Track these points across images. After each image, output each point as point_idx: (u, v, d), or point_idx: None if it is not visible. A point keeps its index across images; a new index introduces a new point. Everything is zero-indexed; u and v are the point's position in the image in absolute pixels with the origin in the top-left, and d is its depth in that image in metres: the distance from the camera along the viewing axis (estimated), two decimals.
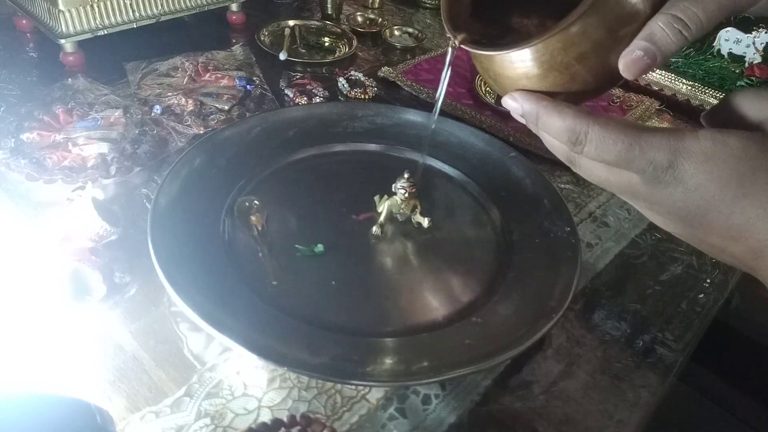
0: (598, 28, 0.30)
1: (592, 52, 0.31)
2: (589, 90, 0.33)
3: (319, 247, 0.52)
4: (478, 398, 0.44)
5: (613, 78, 0.32)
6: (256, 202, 0.55)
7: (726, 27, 0.87)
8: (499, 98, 0.38)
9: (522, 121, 0.34)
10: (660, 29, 0.29)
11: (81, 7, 0.73)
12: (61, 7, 0.71)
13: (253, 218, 0.53)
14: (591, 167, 0.32)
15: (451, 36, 0.36)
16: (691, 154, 0.28)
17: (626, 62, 0.30)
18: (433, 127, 0.51)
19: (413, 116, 0.68)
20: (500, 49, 0.33)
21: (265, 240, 0.52)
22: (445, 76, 0.43)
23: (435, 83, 0.82)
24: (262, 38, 0.88)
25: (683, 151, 0.29)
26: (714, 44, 0.89)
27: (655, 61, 0.30)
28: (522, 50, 0.32)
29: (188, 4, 0.84)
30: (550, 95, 0.33)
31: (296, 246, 0.52)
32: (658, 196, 0.31)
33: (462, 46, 0.35)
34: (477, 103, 0.79)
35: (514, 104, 0.34)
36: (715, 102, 0.82)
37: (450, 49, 0.39)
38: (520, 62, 0.33)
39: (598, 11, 0.30)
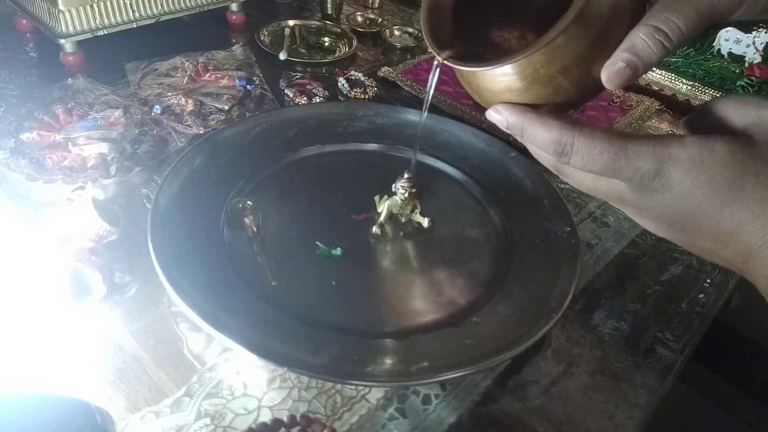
0: (580, 41, 0.30)
1: (574, 65, 0.31)
2: (572, 101, 0.34)
3: (337, 251, 0.52)
4: (478, 398, 0.44)
5: (596, 88, 0.33)
6: (249, 203, 0.55)
7: (726, 27, 0.87)
8: None
9: (508, 132, 0.35)
10: (641, 40, 0.30)
11: (81, 7, 0.73)
12: (61, 7, 0.71)
13: (246, 220, 0.53)
14: (578, 176, 0.33)
15: (435, 53, 0.36)
16: (678, 161, 0.29)
17: (609, 74, 0.31)
18: (422, 122, 0.51)
19: (413, 116, 0.68)
20: (484, 65, 0.33)
21: (261, 241, 0.52)
22: (431, 88, 0.44)
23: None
24: (262, 38, 0.88)
25: (669, 159, 0.29)
26: (714, 44, 0.89)
27: (637, 72, 0.30)
28: (505, 65, 0.32)
29: (188, 4, 0.84)
30: (534, 107, 0.33)
31: (317, 243, 0.52)
32: (646, 203, 0.31)
33: (446, 62, 0.36)
34: (477, 103, 0.78)
35: (498, 117, 0.34)
36: None
37: (435, 63, 0.40)
38: (503, 76, 0.33)
39: (580, 25, 0.30)
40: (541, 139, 0.32)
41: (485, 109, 0.36)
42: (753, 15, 0.31)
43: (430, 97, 0.46)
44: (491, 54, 0.35)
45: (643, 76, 0.88)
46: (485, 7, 0.40)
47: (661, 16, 0.29)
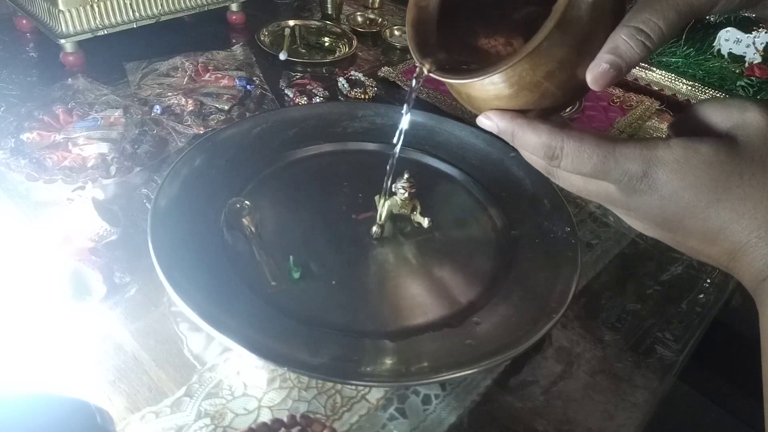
0: (563, 47, 0.31)
1: (559, 70, 0.32)
2: (559, 104, 0.34)
3: (296, 274, 0.49)
4: (478, 398, 0.44)
5: (582, 90, 0.33)
6: (246, 203, 0.55)
7: (726, 27, 0.87)
8: None
9: (499, 137, 0.35)
10: (624, 42, 0.30)
11: (81, 7, 0.73)
12: (61, 7, 0.71)
13: (244, 220, 0.53)
14: (569, 179, 0.34)
15: (420, 66, 0.37)
16: (664, 162, 0.30)
17: (594, 75, 0.31)
18: (405, 125, 0.50)
19: (413, 116, 0.68)
20: (471, 76, 0.33)
21: (259, 241, 0.52)
22: (410, 102, 0.45)
23: (435, 83, 0.82)
24: (262, 38, 0.88)
25: (656, 160, 0.30)
26: (714, 44, 0.89)
27: (620, 72, 0.31)
28: (492, 75, 0.32)
29: (188, 4, 0.84)
30: (523, 112, 0.34)
31: (290, 256, 0.50)
32: (634, 204, 0.32)
33: (434, 75, 0.36)
34: None
35: (489, 123, 0.35)
36: None
37: (415, 79, 0.40)
38: (491, 85, 0.33)
39: (561, 30, 0.30)
40: (531, 143, 0.32)
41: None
42: (732, 9, 0.32)
43: (411, 101, 0.46)
44: (479, 61, 0.35)
45: (644, 76, 0.88)
46: (469, 17, 0.40)
47: (641, 17, 0.30)
